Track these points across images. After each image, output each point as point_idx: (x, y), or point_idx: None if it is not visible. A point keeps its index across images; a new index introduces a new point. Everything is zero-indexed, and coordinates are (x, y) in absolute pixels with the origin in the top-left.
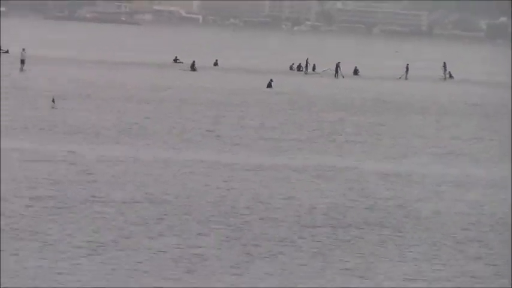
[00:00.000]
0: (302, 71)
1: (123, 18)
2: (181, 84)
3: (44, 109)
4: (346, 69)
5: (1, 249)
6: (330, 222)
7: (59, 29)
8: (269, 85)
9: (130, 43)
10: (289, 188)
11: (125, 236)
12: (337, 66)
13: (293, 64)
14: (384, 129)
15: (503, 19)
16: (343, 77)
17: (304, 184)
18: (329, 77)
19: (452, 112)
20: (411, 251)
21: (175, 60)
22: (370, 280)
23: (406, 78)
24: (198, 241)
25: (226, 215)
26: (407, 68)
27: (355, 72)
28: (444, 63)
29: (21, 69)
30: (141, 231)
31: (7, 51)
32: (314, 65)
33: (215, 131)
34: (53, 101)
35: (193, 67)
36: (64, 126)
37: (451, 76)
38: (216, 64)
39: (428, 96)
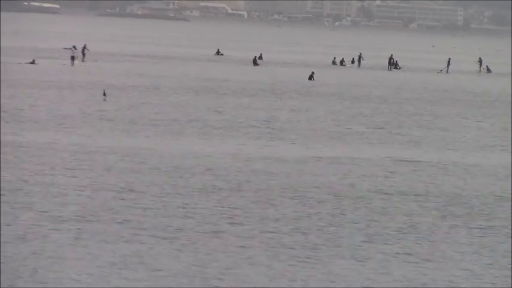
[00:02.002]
0: (344, 65)
1: (172, 15)
2: (243, 78)
3: (96, 102)
4: (386, 62)
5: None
6: None
7: (111, 25)
8: (311, 77)
9: (182, 38)
10: None
11: None
12: (391, 58)
13: (335, 58)
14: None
15: None
16: (398, 68)
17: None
18: (379, 71)
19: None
20: None
21: (218, 53)
22: None
23: (447, 72)
24: None
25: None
26: (448, 62)
27: (396, 66)
28: (480, 58)
29: (72, 64)
30: None
31: (74, 47)
32: (353, 59)
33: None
34: (104, 93)
35: (255, 62)
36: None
37: (489, 70)
38: (260, 58)
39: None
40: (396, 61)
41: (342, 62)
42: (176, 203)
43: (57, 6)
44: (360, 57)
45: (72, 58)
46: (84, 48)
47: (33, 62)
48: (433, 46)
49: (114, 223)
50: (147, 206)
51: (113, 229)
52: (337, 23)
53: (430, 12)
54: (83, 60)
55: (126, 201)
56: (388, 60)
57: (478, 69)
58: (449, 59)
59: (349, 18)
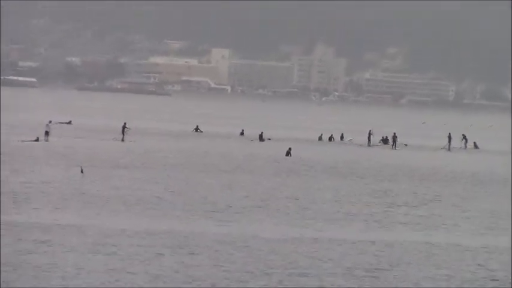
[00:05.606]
0: (333, 141)
1: (153, 89)
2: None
3: (73, 178)
4: (376, 139)
5: None
6: None
7: (90, 99)
8: (288, 153)
9: (163, 113)
10: None
11: None
12: (394, 136)
13: (322, 135)
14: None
15: None
16: (405, 145)
17: None
18: (384, 148)
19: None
20: None
21: (196, 129)
22: None
23: (448, 149)
24: None
25: None
26: (449, 138)
27: (385, 141)
28: (463, 135)
29: (46, 140)
30: None
31: (70, 122)
32: (342, 135)
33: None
34: (82, 171)
35: (261, 138)
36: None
37: (476, 146)
38: (242, 134)
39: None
40: (384, 137)
41: (330, 139)
42: None
43: (33, 79)
44: (369, 134)
45: (46, 133)
46: (124, 126)
47: (37, 140)
48: (424, 123)
49: None
50: None
51: None
52: (324, 98)
53: (420, 87)
54: (122, 140)
55: None
56: (392, 138)
57: (463, 146)
58: (450, 133)
59: (336, 93)
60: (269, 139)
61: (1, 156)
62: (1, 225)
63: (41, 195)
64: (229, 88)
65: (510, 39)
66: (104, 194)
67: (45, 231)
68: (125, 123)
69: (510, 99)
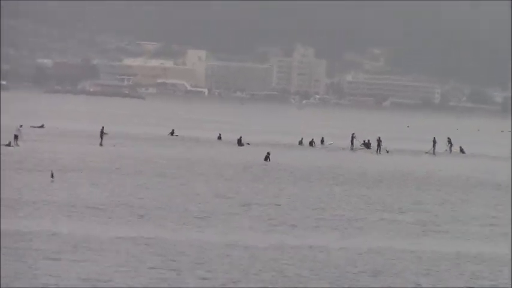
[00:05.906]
0: (313, 146)
1: (126, 92)
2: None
3: (43, 183)
4: (359, 143)
5: None
6: None
7: (62, 103)
8: (266, 158)
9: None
10: None
11: None
12: (379, 140)
13: (302, 139)
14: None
15: None
16: (387, 151)
17: None
18: (367, 152)
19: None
20: None
21: (172, 133)
22: None
23: (433, 153)
24: None
25: None
26: (434, 142)
27: (367, 145)
28: (448, 138)
29: (16, 144)
30: None
31: (42, 126)
32: (322, 138)
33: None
34: (52, 175)
35: (240, 142)
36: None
37: (462, 151)
38: (219, 138)
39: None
40: (366, 141)
41: (311, 143)
42: None
43: (4, 82)
44: (352, 137)
45: (16, 137)
46: (102, 131)
47: (9, 145)
48: (408, 127)
49: None
50: None
51: None
52: (304, 101)
53: (403, 89)
54: (100, 144)
55: None
56: (376, 142)
57: (449, 149)
58: (434, 137)
59: (317, 96)
60: (248, 144)
61: None
62: None
63: (10, 201)
64: (206, 91)
65: (510, 40)
66: (73, 200)
67: (15, 237)
68: (102, 128)
69: (497, 101)
